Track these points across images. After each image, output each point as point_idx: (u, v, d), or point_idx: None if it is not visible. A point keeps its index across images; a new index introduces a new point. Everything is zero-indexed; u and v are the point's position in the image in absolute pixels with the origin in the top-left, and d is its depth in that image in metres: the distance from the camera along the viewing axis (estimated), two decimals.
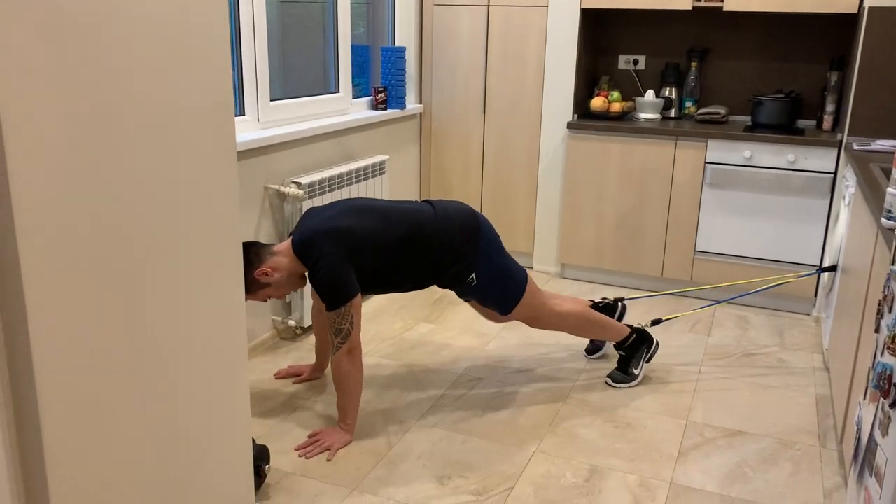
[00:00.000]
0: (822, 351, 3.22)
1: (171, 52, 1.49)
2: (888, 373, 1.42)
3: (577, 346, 3.22)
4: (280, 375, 2.87)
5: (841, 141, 3.39)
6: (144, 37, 1.42)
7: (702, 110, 3.84)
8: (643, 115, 3.94)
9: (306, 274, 2.49)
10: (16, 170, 1.22)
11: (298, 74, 3.48)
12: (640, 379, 2.89)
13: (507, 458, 2.39)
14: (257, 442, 2.38)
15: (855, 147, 3.12)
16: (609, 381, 2.89)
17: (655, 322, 3.04)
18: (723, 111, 3.80)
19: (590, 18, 3.97)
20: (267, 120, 3.08)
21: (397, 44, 4.11)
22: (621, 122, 3.83)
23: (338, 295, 2.32)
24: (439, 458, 2.38)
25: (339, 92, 3.61)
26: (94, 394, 1.44)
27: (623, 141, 3.76)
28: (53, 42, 1.25)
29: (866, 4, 3.21)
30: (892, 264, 1.61)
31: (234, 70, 2.95)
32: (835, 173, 3.42)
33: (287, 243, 2.46)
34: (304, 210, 3.07)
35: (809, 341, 3.36)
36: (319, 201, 3.16)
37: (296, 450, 2.40)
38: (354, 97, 3.80)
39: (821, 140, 3.39)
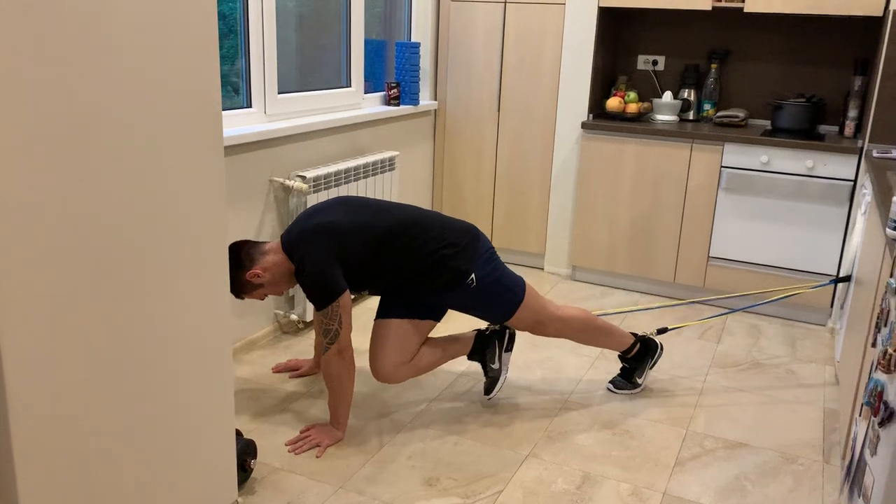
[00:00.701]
0: (835, 364, 3.13)
1: (158, 47, 1.47)
2: (879, 389, 1.36)
3: (580, 350, 3.16)
4: (278, 369, 2.86)
5: (862, 148, 3.29)
6: (130, 33, 1.41)
7: (720, 113, 3.76)
8: (660, 117, 3.86)
9: None
10: None
11: (319, 68, 3.47)
12: (642, 387, 2.83)
13: (499, 461, 2.35)
14: (246, 436, 2.37)
15: (875, 154, 3.03)
16: (611, 387, 2.83)
17: (661, 331, 2.98)
18: (741, 114, 3.72)
19: (608, 17, 3.90)
20: (274, 113, 3.07)
21: (413, 39, 4.08)
22: (637, 123, 3.77)
23: (324, 294, 2.28)
24: (430, 459, 2.35)
25: (350, 86, 3.59)
26: (68, 386, 1.42)
27: (638, 142, 3.69)
28: (36, 39, 1.23)
29: (892, 7, 3.11)
30: (892, 276, 1.54)
31: (242, 63, 2.94)
32: (854, 181, 3.32)
33: (277, 242, 2.43)
34: (308, 204, 3.06)
35: (822, 353, 3.27)
36: (325, 196, 3.14)
37: (286, 445, 2.38)
38: (368, 92, 3.78)
39: (840, 146, 3.30)
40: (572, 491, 2.22)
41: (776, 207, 3.48)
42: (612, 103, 3.87)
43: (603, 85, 4.05)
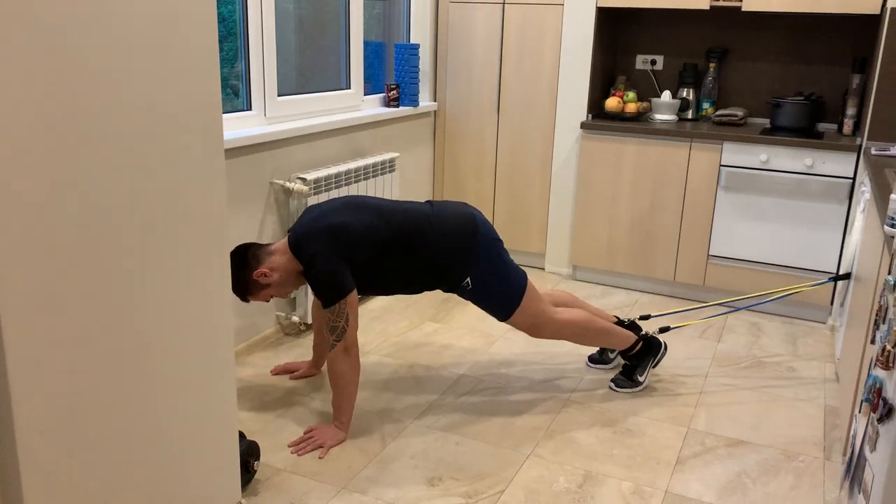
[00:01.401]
0: (835, 361, 3.14)
1: (158, 50, 1.48)
2: (878, 386, 1.37)
3: (581, 348, 3.17)
4: (277, 371, 2.86)
5: (860, 145, 3.30)
6: (130, 37, 1.41)
7: (719, 112, 3.77)
8: (659, 116, 3.87)
9: None
10: None
11: (318, 70, 3.48)
12: (644, 385, 2.84)
13: (502, 461, 2.36)
14: (249, 438, 2.38)
15: (873, 152, 3.03)
16: (612, 385, 2.84)
17: (663, 329, 2.99)
18: (740, 113, 3.72)
19: (607, 17, 3.91)
20: (274, 115, 3.08)
21: (412, 41, 4.09)
22: (636, 122, 3.77)
23: (332, 292, 2.31)
24: (432, 459, 2.35)
25: (350, 88, 3.60)
26: (71, 388, 1.43)
27: (637, 142, 3.70)
28: (37, 42, 1.24)
29: (889, 5, 3.12)
30: (890, 273, 1.55)
31: (241, 65, 2.95)
32: (853, 179, 3.33)
33: (284, 242, 2.45)
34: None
35: (823, 350, 3.27)
36: (325, 197, 3.15)
37: (289, 446, 2.39)
38: (367, 94, 3.79)
39: (839, 144, 3.31)
40: (574, 490, 2.23)
41: (775, 206, 3.48)
42: (611, 103, 3.87)
43: (602, 85, 4.06)
